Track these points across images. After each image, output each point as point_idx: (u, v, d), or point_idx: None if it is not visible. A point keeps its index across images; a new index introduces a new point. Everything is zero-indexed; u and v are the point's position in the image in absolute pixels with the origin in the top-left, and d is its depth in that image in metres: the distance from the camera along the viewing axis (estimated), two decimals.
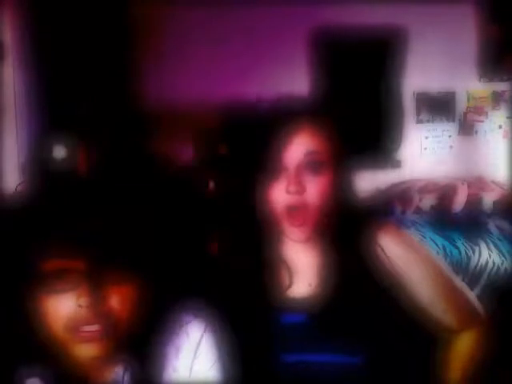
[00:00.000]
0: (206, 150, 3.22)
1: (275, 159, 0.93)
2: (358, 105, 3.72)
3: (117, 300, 0.71)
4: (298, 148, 0.93)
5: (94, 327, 0.70)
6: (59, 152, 2.29)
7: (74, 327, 0.70)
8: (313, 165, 0.93)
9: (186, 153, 3.34)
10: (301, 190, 0.91)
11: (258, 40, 3.63)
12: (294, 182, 0.91)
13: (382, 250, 0.97)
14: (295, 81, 3.54)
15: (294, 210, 0.93)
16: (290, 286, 0.99)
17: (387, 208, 3.43)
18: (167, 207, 0.79)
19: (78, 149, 2.33)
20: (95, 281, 0.69)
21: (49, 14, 2.79)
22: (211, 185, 2.74)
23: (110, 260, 0.69)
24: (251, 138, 0.99)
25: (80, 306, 0.69)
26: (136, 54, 3.39)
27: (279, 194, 0.93)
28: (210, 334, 0.84)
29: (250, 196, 0.96)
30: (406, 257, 0.98)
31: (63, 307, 0.69)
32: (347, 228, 0.98)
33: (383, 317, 0.94)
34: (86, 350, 0.71)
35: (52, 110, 2.81)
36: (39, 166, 2.26)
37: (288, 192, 0.92)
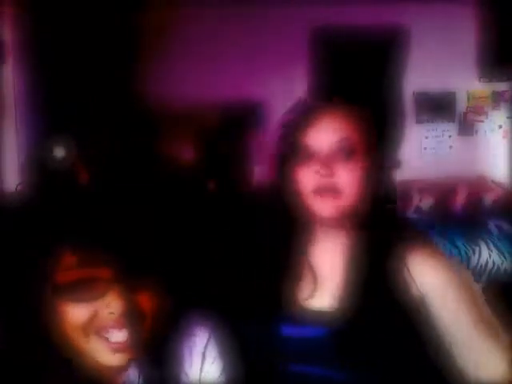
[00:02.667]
0: (206, 150, 3.23)
1: (304, 143, 0.91)
2: (358, 105, 3.72)
3: (144, 307, 0.70)
4: (328, 132, 0.91)
5: (123, 335, 0.69)
6: (59, 152, 2.29)
7: (102, 334, 0.69)
8: (344, 150, 0.90)
9: (186, 153, 3.34)
10: (331, 172, 0.89)
11: (259, 40, 3.63)
12: (324, 165, 0.89)
13: (409, 270, 0.90)
14: (295, 80, 3.54)
15: (323, 191, 0.89)
16: (313, 292, 0.93)
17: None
18: (169, 207, 0.79)
19: (77, 149, 2.33)
20: (125, 288, 0.68)
21: (49, 14, 2.79)
22: (211, 185, 2.74)
23: (134, 266, 0.68)
24: (284, 124, 0.97)
25: (111, 313, 0.68)
26: (137, 54, 3.39)
27: (309, 176, 0.90)
28: (216, 341, 0.83)
29: (278, 182, 0.94)
30: (436, 285, 0.89)
31: (90, 314, 0.68)
32: (377, 229, 0.93)
33: (403, 340, 0.87)
34: (112, 359, 0.70)
35: (52, 110, 2.81)
36: (39, 166, 2.26)
37: (317, 173, 0.89)
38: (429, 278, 0.90)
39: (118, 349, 0.69)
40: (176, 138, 3.35)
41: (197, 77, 3.53)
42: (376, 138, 0.96)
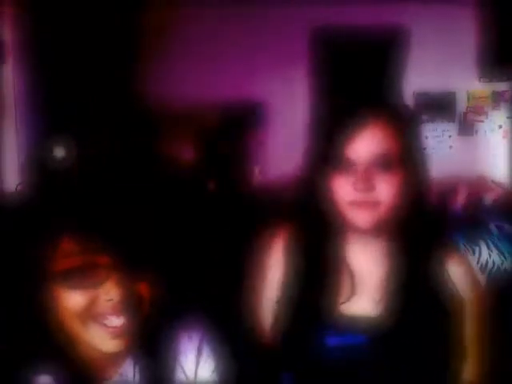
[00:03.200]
0: (206, 150, 3.23)
1: (343, 153, 0.89)
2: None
3: (141, 294, 0.71)
4: (369, 143, 0.88)
5: (121, 321, 0.70)
6: (59, 152, 2.29)
7: (99, 320, 0.70)
8: (383, 162, 0.88)
9: (186, 153, 3.34)
10: (370, 187, 0.87)
11: (259, 40, 3.63)
12: (363, 179, 0.87)
13: (448, 272, 0.91)
14: (295, 80, 3.54)
15: (360, 204, 0.88)
16: (351, 297, 0.91)
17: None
18: (169, 206, 0.79)
19: (77, 149, 2.33)
20: (123, 275, 0.69)
21: (49, 14, 2.79)
22: (211, 185, 2.74)
23: (132, 254, 0.69)
24: (321, 129, 0.95)
25: (110, 299, 0.68)
26: (137, 53, 3.39)
27: (346, 189, 0.88)
28: (211, 339, 0.84)
29: (314, 190, 0.92)
30: (466, 290, 0.92)
31: (88, 300, 0.69)
32: (416, 236, 0.93)
33: (443, 343, 0.88)
34: (108, 345, 0.71)
35: (52, 110, 2.81)
36: (39, 166, 2.26)
37: (356, 189, 0.87)
38: (466, 283, 0.92)
39: (115, 333, 0.70)
40: (176, 137, 3.35)
41: (197, 77, 3.53)
42: (414, 147, 0.94)
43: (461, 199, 3.42)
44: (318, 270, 0.93)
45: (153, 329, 0.75)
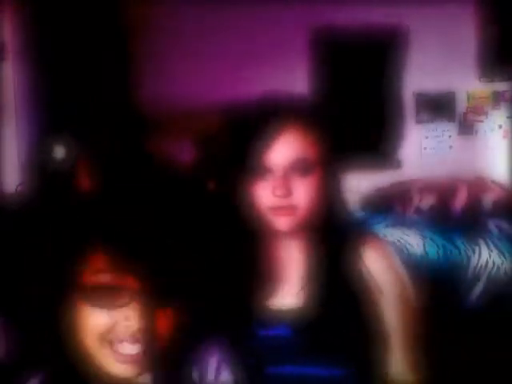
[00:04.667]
0: (206, 150, 3.22)
1: (260, 160, 0.91)
2: (358, 105, 3.73)
3: (161, 324, 0.69)
4: (286, 150, 0.91)
5: (135, 349, 0.68)
6: (59, 152, 2.28)
7: (113, 343, 0.68)
8: (301, 167, 0.91)
9: (186, 153, 3.34)
10: (287, 193, 0.90)
11: (259, 40, 3.63)
12: (281, 185, 0.89)
13: (364, 262, 0.95)
14: (295, 80, 3.54)
15: (279, 209, 0.91)
16: (274, 291, 0.96)
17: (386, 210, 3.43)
18: (170, 208, 0.78)
19: (77, 149, 2.33)
20: (147, 302, 0.66)
21: (49, 14, 2.79)
22: (211, 185, 2.74)
23: (161, 281, 0.66)
24: (237, 136, 0.97)
25: (128, 325, 0.66)
26: (136, 54, 3.39)
27: (265, 195, 0.91)
28: (227, 365, 0.82)
29: (234, 194, 0.94)
30: (383, 274, 0.96)
31: (107, 322, 0.67)
32: (333, 233, 0.97)
33: (365, 330, 0.92)
34: (120, 369, 0.69)
35: (52, 109, 2.81)
36: (39, 166, 2.26)
37: (274, 195, 0.90)
38: (382, 271, 0.96)
39: (126, 361, 0.68)
40: (176, 138, 3.35)
41: (197, 77, 3.53)
42: (331, 151, 0.97)
43: (461, 199, 3.42)
44: (244, 268, 0.95)
45: (172, 354, 0.73)
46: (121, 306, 0.66)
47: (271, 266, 0.98)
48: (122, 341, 0.68)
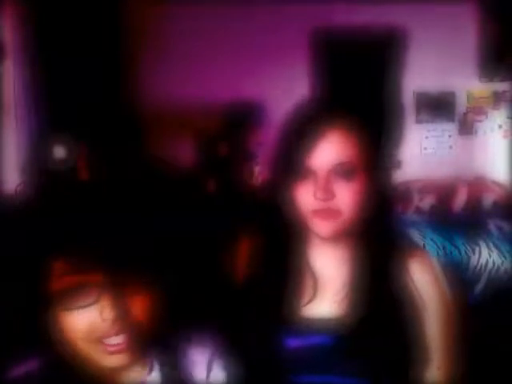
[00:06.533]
0: (206, 150, 3.23)
1: (304, 162, 0.89)
2: (358, 105, 3.72)
3: (138, 310, 0.70)
4: (329, 152, 0.89)
5: (120, 339, 0.69)
6: (59, 152, 2.29)
7: (100, 340, 0.69)
8: (344, 171, 0.89)
9: (186, 153, 3.34)
10: (329, 196, 0.88)
11: (259, 40, 3.63)
12: (323, 188, 0.88)
13: (410, 274, 0.93)
14: (295, 80, 3.54)
15: (321, 213, 0.89)
16: (312, 299, 0.93)
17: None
18: (167, 207, 0.78)
19: (77, 149, 2.33)
20: (116, 292, 0.68)
21: (48, 14, 2.79)
22: (211, 185, 2.74)
23: (126, 270, 0.68)
24: (281, 139, 0.96)
25: (105, 319, 0.67)
26: (136, 54, 3.39)
27: (307, 198, 0.89)
28: (221, 354, 0.83)
29: (275, 197, 0.93)
30: (428, 288, 0.93)
31: (86, 322, 0.68)
32: (378, 241, 0.94)
33: (404, 342, 0.89)
34: (112, 361, 0.70)
35: (52, 109, 2.81)
36: (39, 166, 2.26)
37: (316, 197, 0.88)
38: (427, 284, 0.93)
39: (116, 351, 0.70)
40: (176, 138, 3.35)
41: (197, 77, 3.52)
42: (376, 154, 0.95)
43: (461, 199, 3.42)
44: (280, 274, 0.94)
45: (162, 342, 0.75)
46: (93, 303, 0.68)
47: (311, 273, 0.96)
48: (107, 336, 0.69)
